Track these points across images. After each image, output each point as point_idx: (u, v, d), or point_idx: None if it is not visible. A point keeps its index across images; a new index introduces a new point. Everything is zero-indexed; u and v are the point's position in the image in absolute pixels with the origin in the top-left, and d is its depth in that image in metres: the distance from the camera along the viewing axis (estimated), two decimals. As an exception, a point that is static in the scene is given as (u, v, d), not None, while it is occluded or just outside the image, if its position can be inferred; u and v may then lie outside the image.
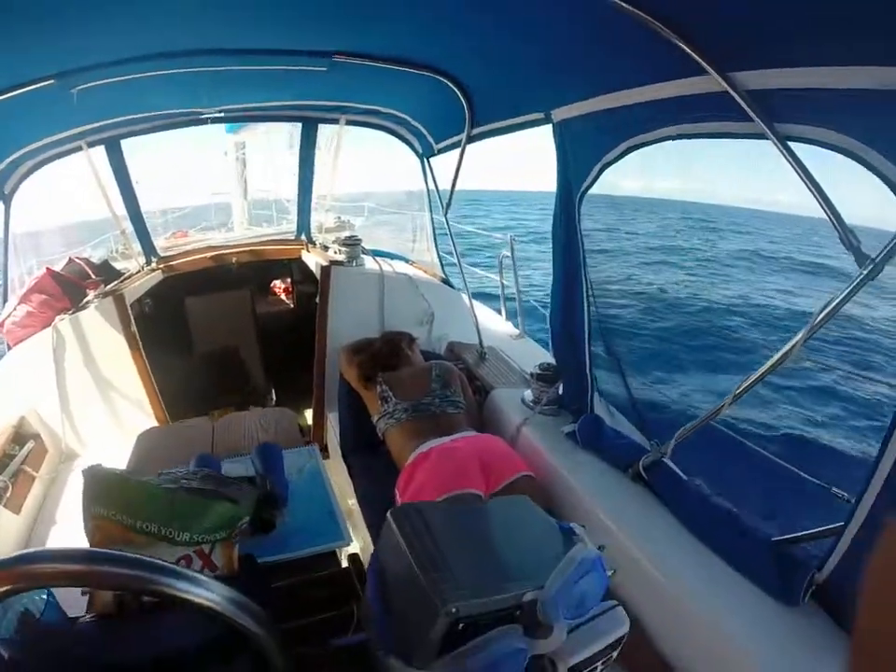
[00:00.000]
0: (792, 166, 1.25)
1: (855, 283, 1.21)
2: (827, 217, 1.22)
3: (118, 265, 3.83)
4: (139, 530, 0.85)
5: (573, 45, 1.67)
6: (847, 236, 1.19)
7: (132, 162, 3.53)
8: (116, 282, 3.40)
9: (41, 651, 0.67)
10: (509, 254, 4.02)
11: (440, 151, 3.25)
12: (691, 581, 1.55)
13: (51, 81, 1.93)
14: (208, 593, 0.54)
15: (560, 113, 2.03)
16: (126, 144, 3.43)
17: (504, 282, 4.31)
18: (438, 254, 4.02)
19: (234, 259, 4.02)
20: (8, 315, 3.14)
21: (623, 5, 1.23)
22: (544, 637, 0.56)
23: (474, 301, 3.57)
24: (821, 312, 1.30)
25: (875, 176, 1.11)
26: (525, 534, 0.69)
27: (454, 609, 0.53)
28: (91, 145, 3.21)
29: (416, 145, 3.52)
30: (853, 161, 1.15)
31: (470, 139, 2.72)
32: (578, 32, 1.57)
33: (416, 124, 3.23)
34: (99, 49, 1.84)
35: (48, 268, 3.27)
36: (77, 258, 3.64)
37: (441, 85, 2.34)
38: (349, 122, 3.61)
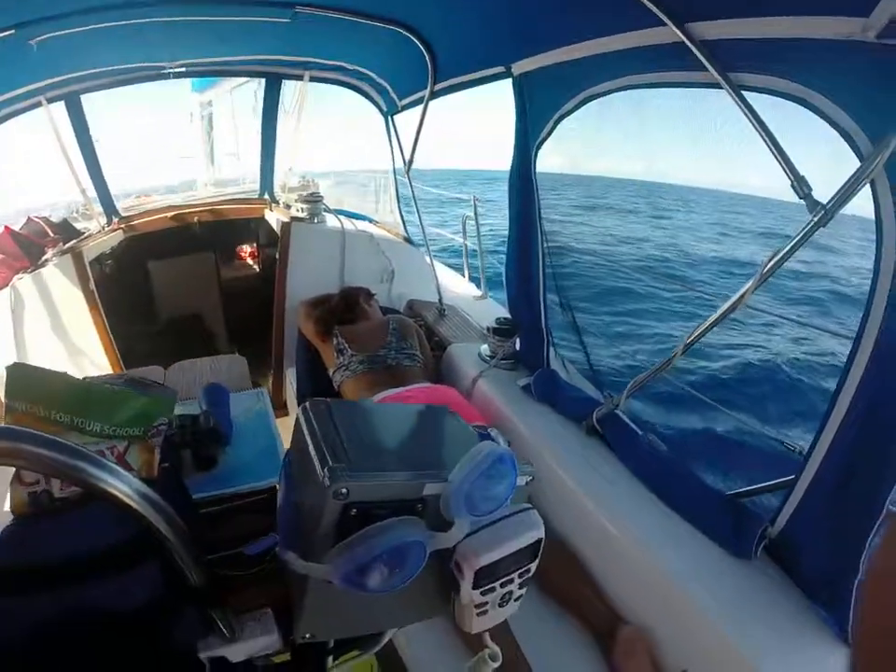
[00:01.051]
0: (746, 115, 1.23)
1: (806, 229, 1.21)
2: (780, 165, 1.21)
3: (78, 225, 3.68)
4: (52, 421, 0.82)
5: None
6: (799, 184, 1.18)
7: (93, 123, 3.37)
8: (75, 240, 3.28)
9: None
10: (472, 215, 3.98)
11: (403, 108, 3.17)
12: (642, 532, 1.54)
13: (11, 31, 1.83)
14: (114, 479, 0.51)
15: (520, 66, 1.99)
16: (88, 105, 3.28)
17: (468, 244, 4.27)
18: (400, 213, 3.94)
19: (196, 219, 3.89)
20: None
21: None
22: (444, 530, 0.54)
23: (436, 261, 3.53)
24: (771, 260, 1.30)
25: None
26: (438, 434, 0.66)
27: (344, 490, 0.50)
28: (50, 101, 3.06)
29: (381, 102, 3.42)
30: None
31: (433, 94, 2.66)
32: None
33: (380, 80, 3.15)
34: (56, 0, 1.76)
35: (6, 227, 3.17)
36: (37, 217, 3.51)
37: (405, 39, 2.27)
38: (313, 79, 3.49)
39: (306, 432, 0.57)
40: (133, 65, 3.02)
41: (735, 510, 1.49)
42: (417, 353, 2.50)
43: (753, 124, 1.23)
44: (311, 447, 0.54)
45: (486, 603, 0.60)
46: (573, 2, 1.56)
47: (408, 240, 3.80)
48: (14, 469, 0.75)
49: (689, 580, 1.39)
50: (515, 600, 0.64)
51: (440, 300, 3.31)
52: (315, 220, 3.42)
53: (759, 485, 1.51)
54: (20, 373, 0.85)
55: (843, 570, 1.20)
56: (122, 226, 3.66)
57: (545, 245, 2.20)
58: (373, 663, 1.34)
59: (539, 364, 2.34)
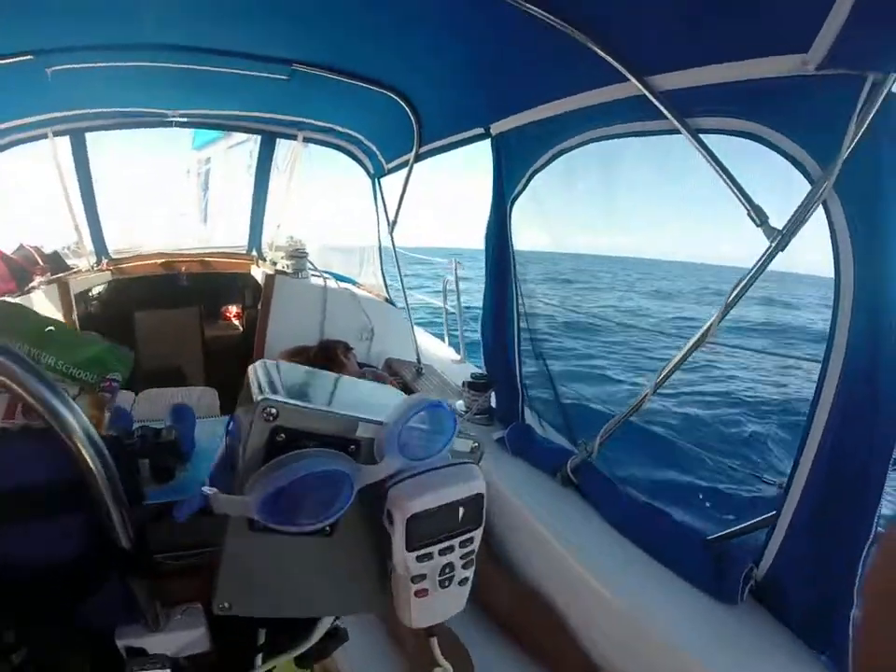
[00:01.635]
0: (704, 156, 1.30)
1: (764, 257, 1.24)
2: (736, 198, 1.26)
3: (69, 261, 3.72)
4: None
5: (509, 60, 1.74)
6: (755, 213, 1.22)
7: (95, 163, 3.49)
8: (63, 273, 3.34)
9: None
10: (452, 279, 4.04)
11: (390, 171, 3.29)
12: (620, 581, 1.48)
13: (29, 57, 1.93)
14: (66, 411, 0.49)
15: (497, 126, 2.10)
16: (93, 144, 3.40)
17: (448, 307, 4.31)
18: (383, 274, 4.00)
19: (184, 269, 3.93)
20: None
21: (554, 20, 1.33)
22: (373, 464, 0.50)
23: (419, 328, 3.57)
24: (733, 291, 1.32)
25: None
26: (379, 393, 0.64)
27: (273, 411, 0.47)
28: (56, 134, 3.17)
29: (369, 165, 3.55)
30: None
31: (418, 157, 2.77)
32: (513, 47, 1.64)
33: (369, 143, 3.28)
34: (76, 32, 1.86)
35: None
36: (28, 245, 3.55)
37: (392, 102, 2.39)
38: (307, 139, 3.63)
39: (251, 380, 0.55)
40: (139, 109, 3.13)
41: (718, 553, 1.44)
42: None
43: (710, 163, 1.29)
44: (253, 388, 0.52)
45: (424, 577, 0.55)
46: (545, 64, 1.66)
47: (389, 301, 3.84)
48: None
49: (672, 627, 1.32)
50: (460, 584, 0.58)
51: (418, 359, 3.31)
52: (300, 275, 3.48)
53: (740, 526, 1.47)
54: None
55: (835, 605, 1.16)
56: (111, 268, 3.69)
57: (520, 300, 2.23)
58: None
59: (514, 419, 2.32)
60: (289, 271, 3.50)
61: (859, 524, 1.10)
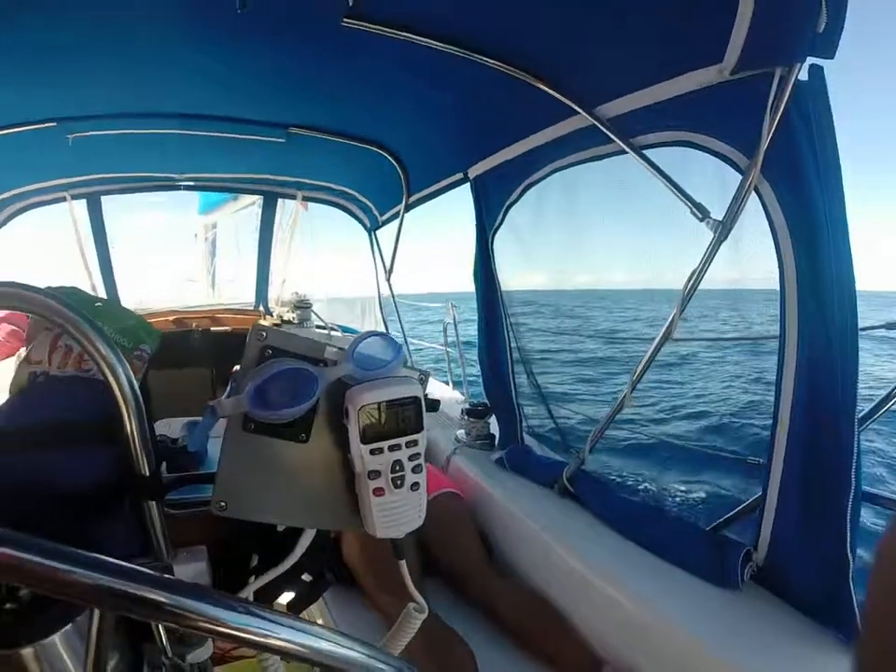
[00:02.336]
0: (649, 169, 1.45)
1: (710, 248, 1.35)
2: (680, 199, 1.40)
3: None
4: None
5: (480, 108, 1.95)
6: (697, 209, 1.36)
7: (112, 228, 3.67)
8: None
9: None
10: (451, 321, 4.15)
11: (383, 223, 3.48)
12: (626, 580, 1.51)
13: (53, 124, 2.10)
14: (112, 356, 0.59)
15: (475, 169, 2.28)
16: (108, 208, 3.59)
17: (448, 349, 4.40)
18: (384, 322, 4.13)
19: (195, 325, 4.05)
20: None
21: (512, 70, 1.54)
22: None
23: (422, 367, 3.64)
24: (687, 285, 1.43)
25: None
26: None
27: (263, 333, 0.60)
28: (74, 197, 3.35)
29: (364, 219, 3.73)
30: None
31: (408, 207, 2.95)
32: (481, 98, 1.85)
33: (363, 199, 3.47)
34: (94, 101, 2.05)
35: None
36: None
37: (381, 157, 2.58)
38: (305, 198, 3.81)
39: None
40: (150, 174, 3.33)
41: (716, 541, 1.47)
42: None
43: (654, 173, 1.43)
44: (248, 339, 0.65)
45: (379, 474, 0.65)
46: (510, 108, 1.85)
47: None
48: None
49: (678, 618, 1.34)
50: (412, 488, 0.67)
51: None
52: (305, 325, 3.59)
53: (733, 511, 1.50)
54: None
55: (835, 570, 1.18)
56: None
57: (510, 327, 2.35)
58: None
59: (514, 442, 2.40)
60: (295, 321, 3.61)
61: (839, 487, 1.14)
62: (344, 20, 1.38)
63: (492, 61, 1.53)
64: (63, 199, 3.33)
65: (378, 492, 0.65)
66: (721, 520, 1.54)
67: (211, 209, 6.82)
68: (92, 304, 0.95)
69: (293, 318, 3.64)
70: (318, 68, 1.80)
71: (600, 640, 1.54)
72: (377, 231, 3.65)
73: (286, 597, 0.83)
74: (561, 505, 1.93)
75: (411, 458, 0.66)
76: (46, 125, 2.11)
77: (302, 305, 3.61)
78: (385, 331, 0.67)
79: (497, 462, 2.29)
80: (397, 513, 0.67)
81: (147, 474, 0.66)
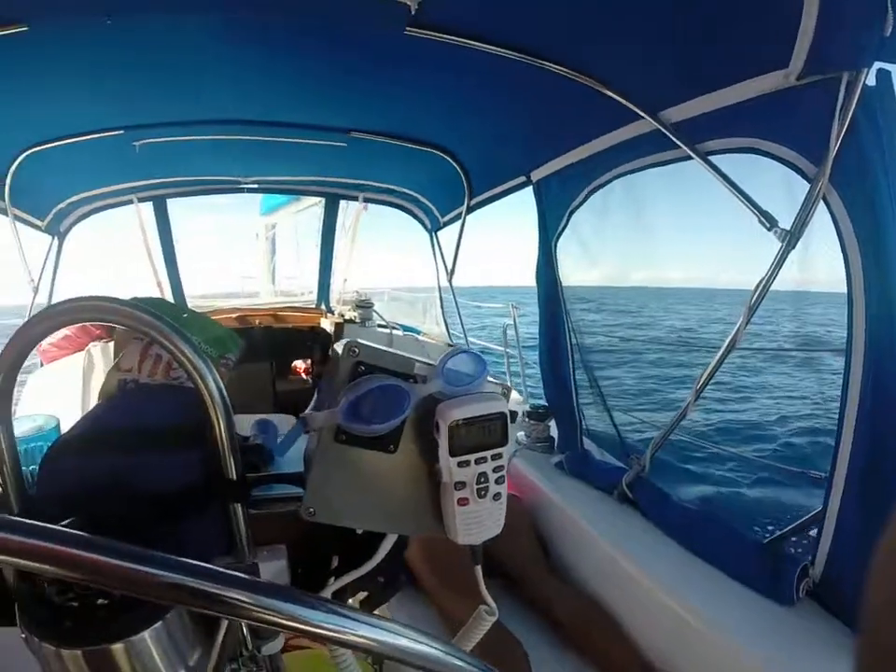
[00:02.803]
0: (715, 175, 1.45)
1: (778, 257, 1.35)
2: (747, 207, 1.39)
3: None
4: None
5: (543, 111, 1.96)
6: (765, 218, 1.35)
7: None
8: None
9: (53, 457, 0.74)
10: (512, 323, 4.19)
11: (445, 224, 3.54)
12: (681, 588, 1.52)
13: (120, 132, 2.24)
14: (199, 361, 0.63)
15: (538, 173, 2.31)
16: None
17: (508, 351, 4.44)
18: (445, 320, 4.19)
19: (258, 322, 4.20)
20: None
21: (574, 75, 1.56)
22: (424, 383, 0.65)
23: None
24: (754, 294, 1.43)
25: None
26: (438, 349, 0.80)
27: (356, 349, 0.63)
28: (141, 200, 3.55)
29: (426, 220, 3.81)
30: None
31: (470, 209, 3.00)
32: (546, 99, 1.85)
33: (425, 200, 3.54)
34: (160, 110, 2.16)
35: None
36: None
37: (443, 160, 2.63)
38: (367, 200, 3.91)
39: (338, 355, 0.69)
40: (215, 177, 3.48)
41: (773, 554, 1.46)
42: None
43: (721, 181, 1.43)
44: (338, 351, 0.68)
45: (464, 485, 0.68)
46: (573, 112, 1.87)
47: (451, 346, 3.97)
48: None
49: (730, 629, 1.34)
50: (494, 498, 0.70)
51: None
52: (366, 324, 3.70)
53: (791, 525, 1.48)
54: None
55: None
56: None
57: (572, 331, 2.36)
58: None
59: (573, 447, 2.40)
60: (357, 320, 3.72)
61: None
62: (407, 28, 1.42)
63: (555, 66, 1.55)
64: (130, 202, 3.53)
65: (462, 501, 0.69)
66: (778, 533, 1.52)
67: (273, 210, 7.07)
68: (181, 315, 1.02)
69: (355, 317, 3.74)
70: (380, 74, 1.85)
71: (651, 646, 1.56)
72: (438, 232, 3.72)
73: (358, 596, 0.87)
74: (619, 511, 1.94)
75: (495, 470, 0.69)
76: (114, 133, 2.24)
77: (364, 305, 3.72)
78: (470, 348, 0.70)
79: (557, 465, 2.31)
80: (478, 522, 0.70)
81: (234, 478, 0.71)
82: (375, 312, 3.82)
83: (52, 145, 2.25)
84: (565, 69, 1.55)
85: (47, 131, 2.21)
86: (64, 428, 1.03)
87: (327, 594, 0.78)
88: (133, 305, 0.62)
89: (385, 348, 0.66)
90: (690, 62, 1.39)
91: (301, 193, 4.46)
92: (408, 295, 5.26)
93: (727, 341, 1.53)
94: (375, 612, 0.81)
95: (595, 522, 1.89)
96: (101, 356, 3.27)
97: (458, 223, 3.21)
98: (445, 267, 3.57)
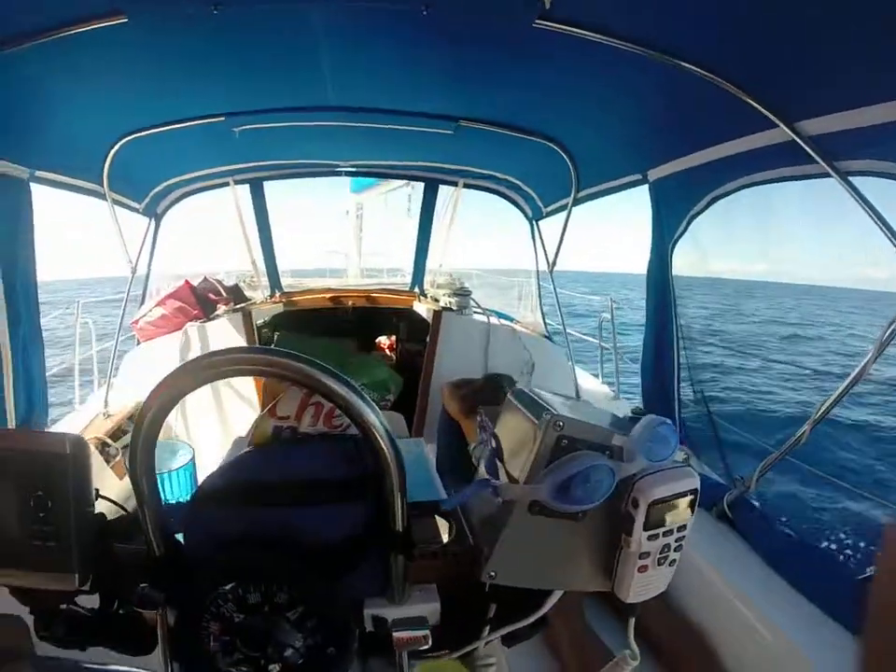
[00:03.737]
0: (856, 200, 1.38)
1: None
2: (887, 238, 1.33)
3: (245, 293, 4.20)
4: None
5: (664, 109, 1.91)
6: None
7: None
8: (244, 304, 3.79)
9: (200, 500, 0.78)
10: (609, 317, 4.15)
11: (547, 214, 3.53)
12: (773, 618, 1.49)
13: (221, 118, 2.35)
14: (374, 416, 0.66)
15: (655, 173, 2.25)
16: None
17: (603, 345, 4.41)
18: (542, 312, 4.22)
19: (351, 303, 4.29)
20: (143, 315, 3.57)
21: (704, 73, 1.49)
22: (628, 461, 0.67)
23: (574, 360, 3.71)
24: (888, 328, 1.37)
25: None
26: (610, 411, 0.78)
27: (560, 423, 0.64)
28: (237, 182, 3.71)
29: (527, 208, 3.80)
30: None
31: (576, 201, 2.96)
32: (667, 97, 1.81)
33: (527, 189, 3.53)
34: (262, 96, 2.25)
35: (186, 280, 3.71)
36: (212, 277, 4.07)
37: (551, 150, 2.60)
38: (466, 185, 3.92)
39: (518, 403, 0.74)
40: (313, 161, 3.59)
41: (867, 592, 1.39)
42: None
43: (864, 208, 1.37)
44: (525, 410, 0.71)
45: (648, 554, 0.71)
46: (698, 113, 1.81)
47: (548, 337, 4.00)
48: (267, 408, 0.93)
49: (815, 662, 1.32)
50: (670, 564, 0.73)
51: (577, 394, 3.43)
52: (464, 313, 3.74)
53: None
54: (286, 339, 1.03)
55: None
56: (283, 300, 4.12)
57: (680, 341, 2.32)
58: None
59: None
60: (454, 308, 3.76)
61: None
62: (536, 21, 1.41)
63: (686, 64, 1.49)
64: (227, 184, 3.68)
65: (643, 569, 0.72)
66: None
67: (363, 189, 7.31)
68: (347, 360, 1.03)
69: (451, 304, 3.80)
70: (498, 65, 1.84)
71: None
72: (539, 221, 3.71)
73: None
74: (716, 530, 1.90)
75: (677, 540, 0.72)
76: (214, 120, 2.34)
77: (462, 293, 3.76)
78: (664, 418, 0.72)
79: (654, 476, 2.29)
80: (649, 584, 0.74)
81: (401, 530, 0.73)
82: (473, 300, 3.86)
83: (151, 131, 2.36)
84: (697, 68, 1.50)
85: (145, 118, 2.32)
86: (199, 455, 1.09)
87: (482, 643, 0.83)
88: (302, 359, 0.64)
89: (586, 420, 0.68)
90: (841, 70, 1.30)
91: (400, 178, 4.52)
92: (504, 279, 5.28)
93: (853, 373, 1.48)
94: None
95: (693, 541, 1.87)
96: (197, 336, 3.43)
97: (562, 214, 3.19)
98: (546, 258, 3.57)
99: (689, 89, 1.61)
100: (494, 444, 0.76)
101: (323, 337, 4.25)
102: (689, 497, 0.70)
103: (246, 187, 3.83)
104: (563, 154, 2.63)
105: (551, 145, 2.57)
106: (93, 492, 0.76)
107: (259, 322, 3.78)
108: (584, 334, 4.99)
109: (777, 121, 1.49)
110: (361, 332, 4.48)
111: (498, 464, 0.75)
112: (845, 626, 1.40)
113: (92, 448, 2.55)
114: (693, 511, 0.71)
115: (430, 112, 2.42)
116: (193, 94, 2.17)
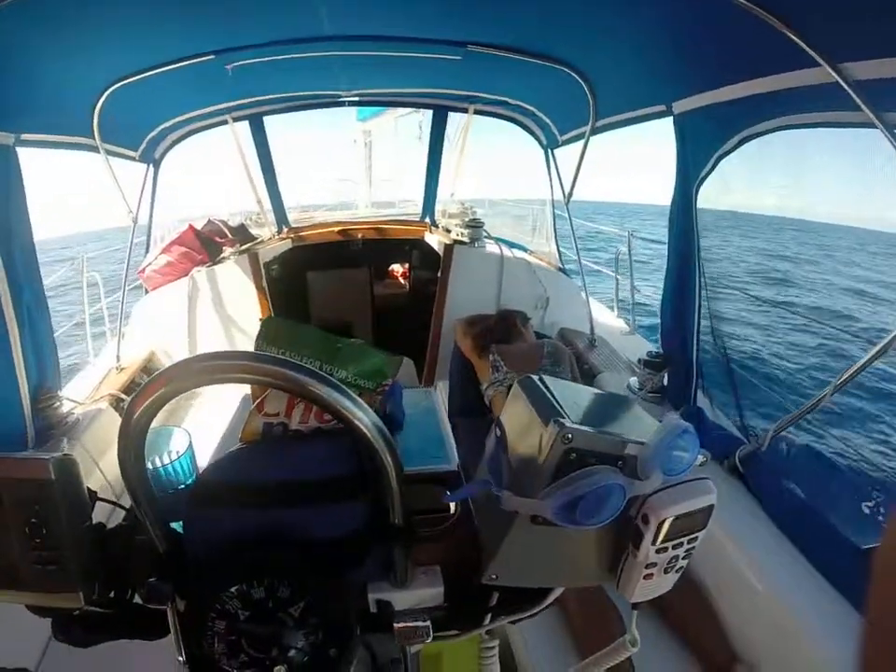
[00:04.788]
0: None
1: None
2: None
3: (252, 231, 4.23)
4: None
5: (692, 38, 1.77)
6: None
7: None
8: (250, 243, 3.81)
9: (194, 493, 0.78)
10: (626, 250, 4.07)
11: (563, 143, 3.38)
12: (774, 579, 1.54)
13: (211, 57, 2.24)
14: (360, 412, 0.65)
15: (680, 105, 2.12)
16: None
17: (618, 278, 4.36)
18: (557, 244, 4.14)
19: (360, 235, 4.29)
20: (149, 264, 3.60)
21: (743, 2, 1.35)
22: (642, 479, 0.64)
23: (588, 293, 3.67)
24: None
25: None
26: (628, 410, 0.74)
27: (569, 436, 0.60)
28: (236, 119, 3.62)
29: (541, 136, 3.66)
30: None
31: (594, 131, 2.82)
32: (697, 25, 1.66)
33: (542, 115, 3.38)
34: (253, 30, 2.14)
35: (190, 224, 3.69)
36: (216, 219, 4.09)
37: (568, 77, 2.46)
38: (477, 112, 3.79)
39: (526, 397, 0.69)
40: (313, 92, 3.50)
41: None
42: (568, 377, 2.57)
43: None
44: (533, 409, 0.67)
45: (655, 566, 0.69)
46: (732, 44, 1.67)
47: (562, 270, 3.96)
48: (255, 401, 0.92)
49: (817, 634, 1.37)
50: (676, 571, 0.71)
51: (591, 330, 3.41)
52: (476, 245, 3.70)
53: None
54: (272, 324, 1.00)
55: None
56: (291, 235, 4.14)
57: (702, 283, 2.26)
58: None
59: (686, 400, 2.37)
60: (466, 240, 3.72)
61: None
62: None
63: None
64: (225, 122, 3.59)
65: (648, 577, 0.70)
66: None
67: (370, 116, 7.19)
68: (334, 348, 0.99)
69: (463, 235, 3.74)
70: None
71: (740, 632, 1.60)
72: (554, 150, 3.58)
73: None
74: (727, 485, 1.92)
75: (687, 550, 0.70)
76: (204, 59, 2.24)
77: (474, 224, 3.71)
78: (685, 424, 0.67)
79: (667, 422, 2.29)
80: (654, 587, 0.72)
81: (401, 523, 0.74)
82: (485, 231, 3.79)
83: (139, 76, 2.27)
84: None
85: (131, 64, 2.23)
86: (196, 437, 1.10)
87: (483, 629, 0.84)
88: (281, 361, 0.63)
89: (596, 431, 0.64)
90: (891, 12, 1.17)
91: (407, 106, 4.41)
92: (512, 206, 5.17)
93: (882, 343, 1.44)
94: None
95: None
96: (205, 280, 3.45)
97: (578, 143, 3.05)
98: (562, 188, 3.45)
99: (724, 16, 1.47)
100: (499, 433, 0.73)
101: (330, 269, 4.25)
102: (705, 513, 0.68)
103: (246, 124, 3.75)
104: (581, 81, 2.48)
105: (567, 70, 2.43)
106: (88, 506, 0.76)
107: (268, 259, 3.78)
108: (599, 265, 4.93)
109: (821, 60, 1.36)
110: (372, 262, 4.49)
111: (503, 457, 0.72)
112: (850, 602, 1.43)
113: (107, 406, 2.61)
114: (706, 524, 0.69)
115: (435, 38, 2.29)
116: (180, 35, 2.08)
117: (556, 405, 0.66)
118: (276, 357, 0.64)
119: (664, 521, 0.65)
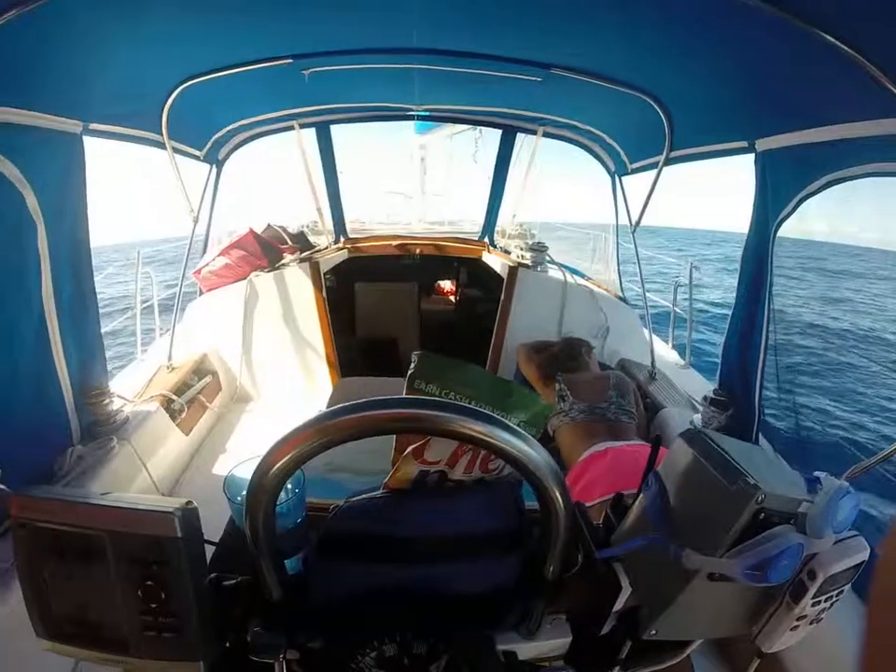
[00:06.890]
0: None
1: None
2: None
3: (310, 239, 4.34)
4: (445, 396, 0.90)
5: (779, 76, 1.81)
6: None
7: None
8: (310, 251, 3.89)
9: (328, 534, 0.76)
10: (685, 282, 4.11)
11: (633, 171, 3.45)
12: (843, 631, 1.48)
13: (289, 61, 2.33)
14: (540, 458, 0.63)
15: (764, 143, 2.16)
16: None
17: (677, 309, 4.39)
18: (619, 272, 4.18)
19: (419, 251, 4.36)
20: (206, 265, 3.68)
21: (833, 41, 1.37)
22: (818, 537, 0.66)
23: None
24: None
25: None
26: (773, 461, 0.78)
27: (762, 497, 0.62)
28: (302, 126, 3.72)
29: (609, 163, 3.73)
30: None
31: (668, 161, 2.87)
32: (784, 63, 1.70)
33: (612, 142, 3.44)
34: (336, 37, 2.22)
35: (250, 229, 3.77)
36: (276, 225, 4.18)
37: (645, 105, 2.52)
38: (546, 134, 3.86)
39: (697, 453, 0.70)
40: (384, 104, 3.57)
41: None
42: (633, 411, 2.61)
43: None
44: (708, 465, 0.68)
45: (805, 617, 0.73)
46: (822, 86, 1.70)
47: (623, 299, 3.98)
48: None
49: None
50: (817, 622, 0.75)
51: (652, 362, 3.42)
52: (539, 269, 3.75)
53: None
54: (427, 361, 0.97)
55: None
56: (349, 246, 4.23)
57: (771, 323, 2.28)
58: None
59: (747, 439, 2.35)
60: (529, 263, 3.77)
61: None
62: None
63: (819, 31, 1.36)
64: (291, 128, 3.69)
65: (794, 628, 0.73)
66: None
67: (428, 130, 7.34)
68: (506, 395, 0.94)
69: (525, 258, 3.82)
70: (595, 12, 1.78)
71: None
72: (623, 178, 3.64)
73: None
74: None
75: (833, 603, 0.74)
76: (281, 62, 2.32)
77: (538, 248, 3.77)
78: (847, 485, 0.72)
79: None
80: (793, 637, 0.76)
81: (552, 578, 0.73)
82: (548, 256, 3.85)
83: (213, 76, 2.35)
84: (833, 38, 1.36)
85: (207, 62, 2.30)
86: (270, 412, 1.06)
87: None
88: (460, 408, 0.61)
89: (788, 495, 0.65)
90: None
91: (476, 123, 4.45)
92: (579, 233, 5.26)
93: None
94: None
95: None
96: (264, 286, 3.53)
97: (650, 173, 3.11)
98: (629, 216, 3.52)
99: (818, 58, 1.49)
100: (657, 486, 0.74)
101: (379, 281, 4.36)
102: (859, 567, 0.72)
103: (311, 130, 3.84)
104: (659, 110, 2.54)
105: (646, 98, 2.48)
106: (205, 558, 0.70)
107: (327, 269, 3.85)
108: (654, 294, 4.95)
109: None
110: (422, 277, 4.58)
111: (665, 512, 0.72)
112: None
113: (157, 406, 2.69)
114: (854, 579, 0.72)
115: (521, 58, 2.36)
116: (258, 36, 2.14)
117: (735, 463, 0.66)
118: (467, 408, 0.62)
119: (830, 576, 0.69)
